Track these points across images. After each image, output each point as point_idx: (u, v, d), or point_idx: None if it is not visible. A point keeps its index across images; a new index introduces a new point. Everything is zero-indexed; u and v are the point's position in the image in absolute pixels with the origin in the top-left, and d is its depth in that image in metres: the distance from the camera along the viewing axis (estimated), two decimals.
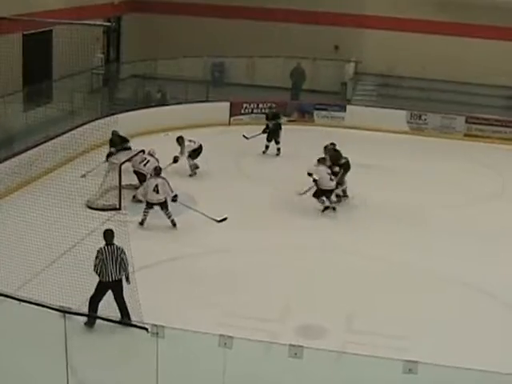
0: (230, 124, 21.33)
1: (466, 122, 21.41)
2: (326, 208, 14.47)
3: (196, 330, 6.71)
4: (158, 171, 13.46)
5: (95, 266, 9.35)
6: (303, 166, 14.61)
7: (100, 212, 13.54)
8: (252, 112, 21.56)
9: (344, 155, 15.22)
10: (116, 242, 9.55)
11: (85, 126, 15.93)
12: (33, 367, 8.05)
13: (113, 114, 16.38)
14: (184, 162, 16.25)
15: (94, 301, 9.35)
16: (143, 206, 13.38)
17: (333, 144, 15.33)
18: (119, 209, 13.68)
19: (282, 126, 18.56)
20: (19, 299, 7.64)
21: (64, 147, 15.46)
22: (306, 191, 14.54)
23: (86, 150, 15.04)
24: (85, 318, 8.97)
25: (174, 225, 13.23)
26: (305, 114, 22.15)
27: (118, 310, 9.36)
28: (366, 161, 17.14)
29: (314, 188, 14.41)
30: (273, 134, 18.42)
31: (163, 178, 13.32)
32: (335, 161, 14.86)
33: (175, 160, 15.94)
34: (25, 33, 17.40)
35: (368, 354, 6.68)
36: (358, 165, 15.50)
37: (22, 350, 8.15)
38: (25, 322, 8.06)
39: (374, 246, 12.64)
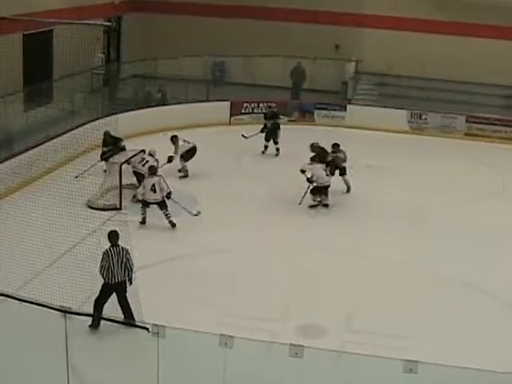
0: (230, 124, 21.31)
1: (467, 121, 21.42)
2: (317, 205, 14.51)
3: (196, 329, 6.72)
4: (153, 170, 13.45)
5: (101, 267, 9.30)
6: None
7: (101, 212, 13.54)
8: (252, 112, 21.52)
9: (344, 154, 15.30)
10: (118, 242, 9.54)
11: (85, 126, 15.89)
12: (33, 367, 8.05)
13: (113, 114, 16.38)
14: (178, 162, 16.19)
15: (99, 303, 9.31)
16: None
17: (320, 143, 15.43)
18: (120, 208, 13.70)
19: (281, 126, 18.49)
20: (20, 299, 7.63)
21: (64, 147, 15.46)
22: (303, 197, 14.52)
23: (87, 149, 15.05)
24: (89, 321, 8.96)
25: (173, 225, 13.22)
26: (305, 114, 22.14)
27: (119, 310, 9.34)
28: (367, 160, 17.17)
29: (310, 187, 14.46)
30: (271, 133, 18.33)
31: (159, 176, 13.32)
32: (322, 159, 14.91)
33: (169, 160, 15.82)
34: (25, 33, 17.40)
35: (368, 354, 6.69)
36: (358, 164, 15.49)
37: (22, 349, 8.15)
38: (25, 322, 8.06)
39: (374, 246, 12.64)
